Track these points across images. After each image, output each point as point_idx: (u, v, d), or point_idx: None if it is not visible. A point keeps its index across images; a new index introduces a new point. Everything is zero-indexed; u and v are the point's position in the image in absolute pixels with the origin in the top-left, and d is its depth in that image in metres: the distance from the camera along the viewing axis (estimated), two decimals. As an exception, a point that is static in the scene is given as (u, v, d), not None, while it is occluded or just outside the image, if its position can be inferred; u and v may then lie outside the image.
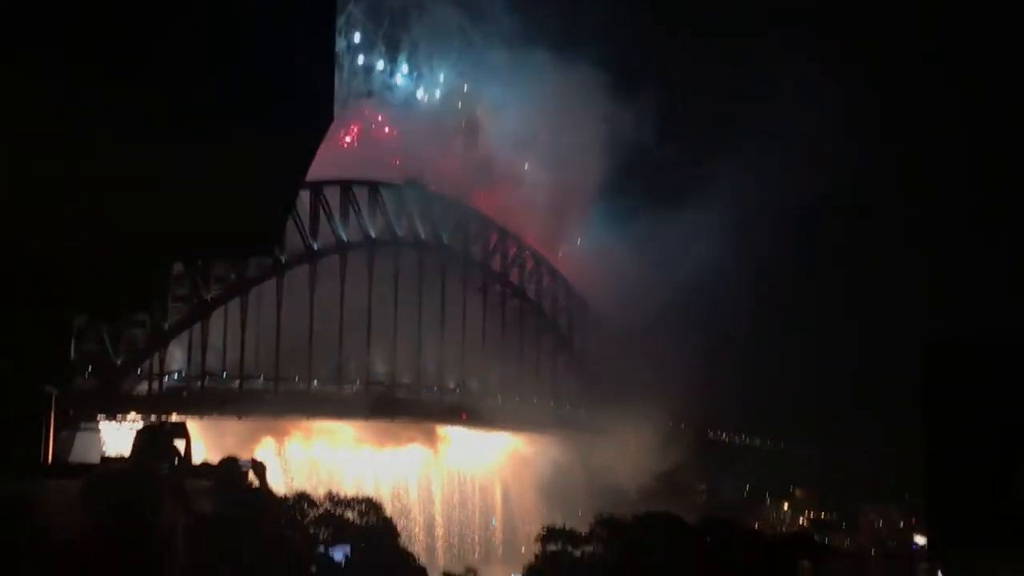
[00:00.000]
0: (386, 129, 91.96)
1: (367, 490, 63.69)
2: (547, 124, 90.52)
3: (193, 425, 57.82)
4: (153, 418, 59.34)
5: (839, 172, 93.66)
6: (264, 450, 72.14)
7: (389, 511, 55.98)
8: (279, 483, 65.66)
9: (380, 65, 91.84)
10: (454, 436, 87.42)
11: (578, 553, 48.46)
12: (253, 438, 71.61)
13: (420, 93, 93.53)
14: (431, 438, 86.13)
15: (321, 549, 42.36)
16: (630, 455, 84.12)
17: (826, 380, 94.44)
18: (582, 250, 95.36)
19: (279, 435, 76.65)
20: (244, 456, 52.90)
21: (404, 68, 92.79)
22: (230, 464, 29.97)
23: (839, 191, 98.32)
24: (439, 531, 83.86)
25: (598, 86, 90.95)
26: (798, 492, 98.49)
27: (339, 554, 42.38)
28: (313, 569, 40.37)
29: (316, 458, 78.73)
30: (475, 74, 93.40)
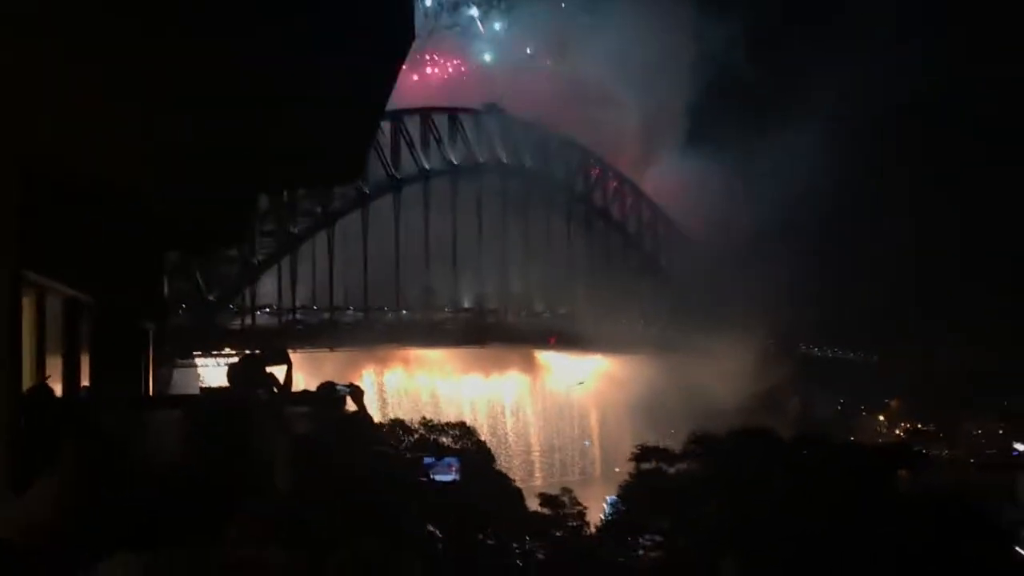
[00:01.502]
0: (466, 61, 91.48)
1: (464, 416, 64.35)
2: (635, 42, 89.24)
3: (290, 357, 58.68)
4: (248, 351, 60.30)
5: (934, 79, 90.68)
6: (362, 379, 73.22)
7: (485, 436, 56.44)
8: (376, 411, 66.80)
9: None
10: (548, 361, 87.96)
11: (672, 470, 48.28)
12: (351, 368, 72.60)
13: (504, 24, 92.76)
14: (527, 364, 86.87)
15: (427, 461, 41.42)
16: (723, 374, 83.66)
17: (922, 291, 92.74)
18: (670, 170, 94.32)
19: (377, 364, 77.82)
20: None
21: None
22: (328, 389, 30.08)
23: (936, 99, 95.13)
24: (536, 454, 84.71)
25: (686, 2, 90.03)
26: (894, 404, 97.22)
27: (446, 471, 40.94)
28: (423, 477, 39.74)
29: (413, 386, 79.84)
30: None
